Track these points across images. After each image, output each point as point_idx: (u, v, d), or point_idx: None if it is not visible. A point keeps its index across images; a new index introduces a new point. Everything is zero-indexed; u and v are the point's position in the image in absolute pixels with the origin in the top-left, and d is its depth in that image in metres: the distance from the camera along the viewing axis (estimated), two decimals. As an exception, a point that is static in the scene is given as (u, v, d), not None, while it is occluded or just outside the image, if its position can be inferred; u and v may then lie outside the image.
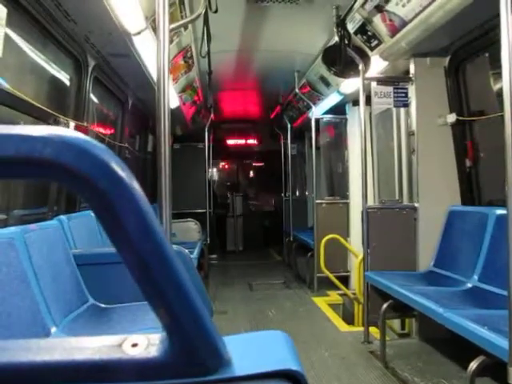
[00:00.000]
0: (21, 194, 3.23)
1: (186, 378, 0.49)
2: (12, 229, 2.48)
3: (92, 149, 0.42)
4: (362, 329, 4.31)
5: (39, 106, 2.95)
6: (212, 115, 7.53)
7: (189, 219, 7.04)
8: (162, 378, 0.48)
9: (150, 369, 0.48)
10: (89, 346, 0.51)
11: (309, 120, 6.93)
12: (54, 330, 2.44)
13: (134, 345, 0.49)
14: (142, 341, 0.50)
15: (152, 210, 0.45)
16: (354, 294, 5.50)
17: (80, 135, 0.44)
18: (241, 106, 9.18)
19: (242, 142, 11.72)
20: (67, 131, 0.43)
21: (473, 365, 2.34)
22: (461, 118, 3.97)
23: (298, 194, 9.85)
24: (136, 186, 0.44)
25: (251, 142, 11.73)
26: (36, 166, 0.41)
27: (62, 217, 3.31)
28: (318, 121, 6.80)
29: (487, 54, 3.69)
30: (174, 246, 2.70)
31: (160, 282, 0.46)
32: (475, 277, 3.46)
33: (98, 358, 0.49)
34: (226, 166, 13.22)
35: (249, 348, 0.56)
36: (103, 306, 3.05)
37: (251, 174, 13.22)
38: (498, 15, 2.16)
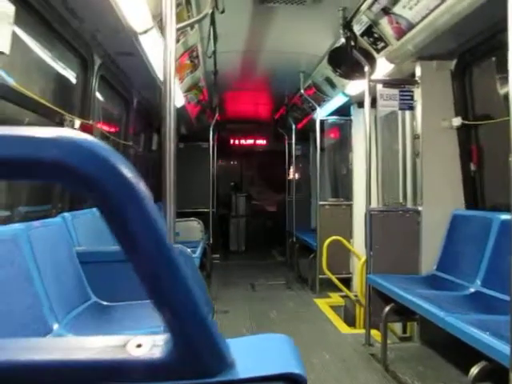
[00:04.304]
0: (25, 190, 3.24)
1: (189, 379, 0.49)
2: (16, 225, 2.49)
3: (100, 151, 0.42)
4: (363, 331, 4.30)
5: (45, 103, 2.96)
6: (217, 115, 7.52)
7: (192, 218, 7.03)
8: (166, 379, 0.48)
9: (154, 370, 0.48)
10: (92, 346, 0.51)
11: (313, 121, 6.92)
12: (56, 326, 2.45)
13: (139, 345, 0.49)
14: (146, 342, 0.50)
15: (158, 213, 0.45)
16: (356, 296, 5.49)
17: (87, 137, 0.44)
18: (246, 106, 9.18)
19: (246, 142, 11.71)
20: (75, 133, 0.43)
21: (474, 370, 2.33)
22: (466, 122, 3.96)
23: (301, 194, 9.84)
24: (143, 187, 0.44)
25: (256, 142, 11.71)
26: (42, 168, 0.41)
27: (66, 214, 3.32)
28: (322, 122, 6.80)
29: (494, 58, 3.68)
30: (176, 245, 2.71)
31: (166, 284, 0.46)
32: (478, 281, 3.45)
33: (101, 358, 0.49)
34: (230, 166, 13.21)
35: (252, 351, 0.56)
36: (105, 303, 3.06)
37: (255, 174, 13.19)
38: (505, 18, 2.15)
